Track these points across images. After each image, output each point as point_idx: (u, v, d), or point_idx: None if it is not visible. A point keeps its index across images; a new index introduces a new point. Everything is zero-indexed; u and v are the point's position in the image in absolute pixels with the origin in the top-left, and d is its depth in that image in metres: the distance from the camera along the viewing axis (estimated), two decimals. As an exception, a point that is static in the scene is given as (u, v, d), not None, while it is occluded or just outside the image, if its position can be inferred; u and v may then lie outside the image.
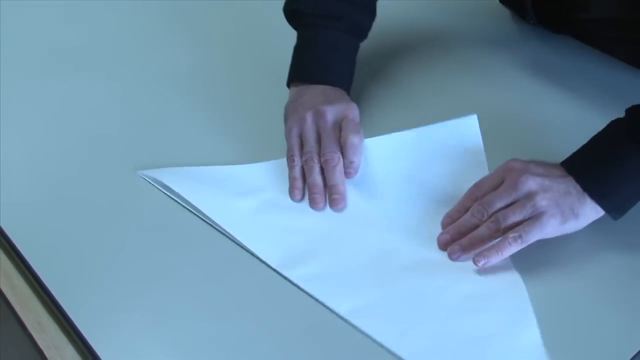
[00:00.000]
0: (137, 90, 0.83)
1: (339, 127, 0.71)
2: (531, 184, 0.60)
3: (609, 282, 0.61)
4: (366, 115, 0.77)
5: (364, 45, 0.80)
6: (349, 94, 0.77)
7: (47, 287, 0.62)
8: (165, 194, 0.69)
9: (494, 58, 0.86)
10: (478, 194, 0.64)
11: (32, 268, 0.64)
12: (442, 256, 0.63)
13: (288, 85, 0.77)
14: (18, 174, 0.73)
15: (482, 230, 0.62)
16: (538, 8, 0.84)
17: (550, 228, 0.60)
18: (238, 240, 0.65)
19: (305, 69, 0.76)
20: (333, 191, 0.68)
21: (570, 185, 0.61)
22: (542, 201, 0.60)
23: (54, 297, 0.61)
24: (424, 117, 0.75)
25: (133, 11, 0.97)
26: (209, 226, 0.66)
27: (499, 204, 0.61)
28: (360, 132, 0.71)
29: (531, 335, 0.57)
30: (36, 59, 0.89)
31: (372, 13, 0.80)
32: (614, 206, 0.61)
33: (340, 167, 0.68)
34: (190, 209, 0.68)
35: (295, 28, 0.79)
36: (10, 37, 0.93)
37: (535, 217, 0.60)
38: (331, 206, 0.68)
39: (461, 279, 0.61)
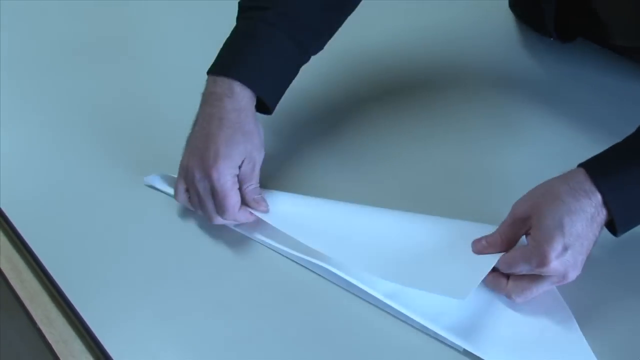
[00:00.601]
0: (146, 85, 0.84)
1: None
2: (573, 276, 0.58)
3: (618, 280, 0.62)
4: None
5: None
6: (271, 99, 0.66)
7: (56, 282, 0.62)
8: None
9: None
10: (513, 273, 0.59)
11: (41, 263, 0.64)
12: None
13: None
14: (28, 171, 0.74)
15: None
16: (559, 32, 0.83)
17: None
18: (257, 239, 0.66)
19: (216, 60, 0.67)
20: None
21: (594, 227, 0.57)
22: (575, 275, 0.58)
23: (62, 292, 0.62)
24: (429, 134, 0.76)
25: (147, 8, 0.98)
26: (216, 225, 0.67)
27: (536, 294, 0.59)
28: (231, 207, 0.63)
29: (567, 316, 0.59)
30: (44, 51, 0.90)
31: (315, 10, 0.67)
32: (628, 229, 0.59)
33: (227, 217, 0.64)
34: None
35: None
36: (18, 30, 0.93)
37: None
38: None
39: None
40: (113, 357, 0.57)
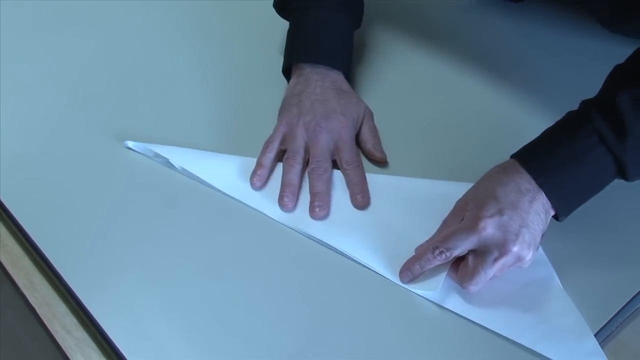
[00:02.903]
0: (136, 51, 0.82)
1: (333, 144, 0.68)
2: (518, 250, 0.56)
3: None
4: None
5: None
6: (349, 74, 0.74)
7: (37, 246, 0.62)
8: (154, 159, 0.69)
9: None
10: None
11: (22, 228, 0.64)
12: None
13: (284, 73, 0.75)
14: (8, 134, 0.72)
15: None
16: None
17: None
18: (236, 198, 0.66)
19: (296, 50, 0.73)
20: (317, 198, 0.64)
21: (535, 206, 0.57)
22: (527, 262, 0.58)
23: (45, 256, 0.61)
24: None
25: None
26: (199, 187, 0.67)
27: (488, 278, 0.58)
28: (357, 158, 0.68)
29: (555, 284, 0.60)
30: (26, 17, 0.88)
31: None
32: (569, 214, 0.60)
33: (327, 177, 0.66)
34: (179, 171, 0.68)
35: (285, 18, 0.77)
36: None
37: None
38: (311, 215, 0.64)
39: None
40: (97, 319, 0.57)
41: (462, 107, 0.74)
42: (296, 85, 0.71)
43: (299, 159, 0.66)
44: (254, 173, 0.66)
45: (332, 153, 0.68)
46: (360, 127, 0.71)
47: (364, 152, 0.70)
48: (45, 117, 0.74)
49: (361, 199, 0.65)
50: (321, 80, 0.71)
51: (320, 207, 0.64)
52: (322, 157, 0.66)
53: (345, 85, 0.72)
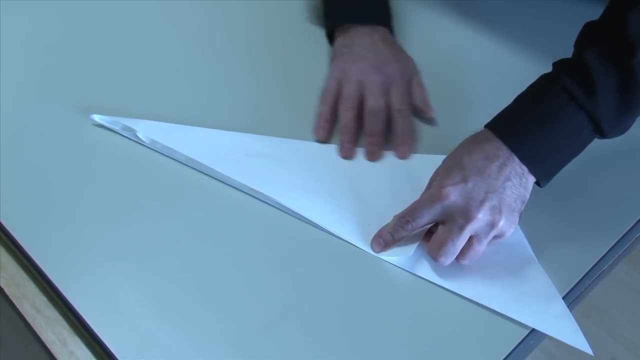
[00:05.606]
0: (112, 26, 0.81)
1: (386, 88, 0.68)
2: (483, 220, 0.56)
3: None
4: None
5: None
6: (392, 31, 0.75)
7: (4, 226, 0.61)
8: (121, 133, 0.68)
9: None
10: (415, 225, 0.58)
11: (-12, 207, 0.63)
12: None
13: (328, 36, 0.75)
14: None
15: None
16: None
17: None
18: (206, 165, 0.65)
19: (338, 13, 0.74)
20: (373, 140, 0.66)
21: (506, 172, 0.56)
22: (505, 230, 0.57)
23: (11, 235, 0.60)
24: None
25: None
26: (167, 161, 0.66)
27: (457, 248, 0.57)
28: (408, 108, 0.68)
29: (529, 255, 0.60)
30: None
31: None
32: (549, 179, 0.59)
33: (383, 117, 0.66)
34: (147, 145, 0.67)
35: None
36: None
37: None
38: (367, 156, 0.66)
39: None
40: (67, 297, 0.56)
41: (430, 75, 0.74)
42: (344, 39, 0.72)
43: (354, 104, 0.67)
44: (317, 126, 0.67)
45: (386, 95, 0.68)
46: (410, 81, 0.71)
47: (413, 107, 0.70)
48: (4, 90, 0.72)
49: (405, 149, 0.66)
50: (369, 35, 0.71)
51: (376, 149, 0.65)
52: (377, 97, 0.67)
53: (393, 39, 0.73)
